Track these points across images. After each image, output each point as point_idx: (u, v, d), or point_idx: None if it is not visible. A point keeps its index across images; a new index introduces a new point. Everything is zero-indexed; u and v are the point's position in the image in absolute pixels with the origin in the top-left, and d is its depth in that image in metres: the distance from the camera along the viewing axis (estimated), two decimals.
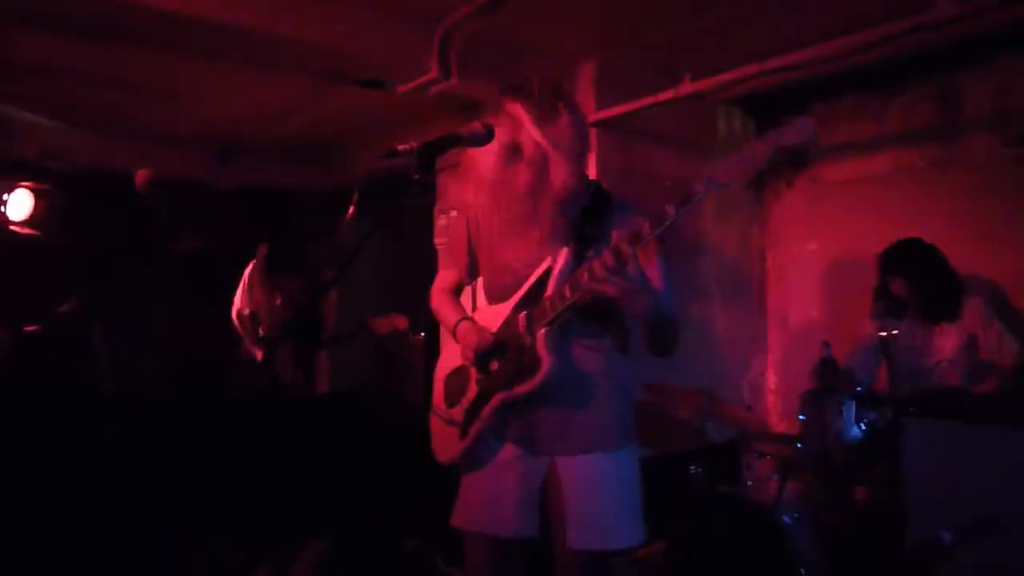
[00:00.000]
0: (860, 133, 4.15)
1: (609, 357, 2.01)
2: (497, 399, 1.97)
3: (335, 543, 3.37)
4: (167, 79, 4.19)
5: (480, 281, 2.19)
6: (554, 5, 3.33)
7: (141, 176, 3.98)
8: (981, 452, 2.18)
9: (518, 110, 1.94)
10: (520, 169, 1.94)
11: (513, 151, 1.94)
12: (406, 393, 4.80)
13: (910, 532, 2.24)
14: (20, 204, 4.67)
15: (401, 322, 4.89)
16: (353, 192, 1.69)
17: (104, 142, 5.10)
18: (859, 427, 2.79)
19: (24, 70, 4.00)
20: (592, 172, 3.16)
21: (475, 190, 2.14)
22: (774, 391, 4.57)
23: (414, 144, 1.70)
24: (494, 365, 2.00)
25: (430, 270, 2.30)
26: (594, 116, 3.75)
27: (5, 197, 4.60)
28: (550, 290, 1.92)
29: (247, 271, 4.83)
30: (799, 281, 4.48)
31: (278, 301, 4.67)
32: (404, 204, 1.91)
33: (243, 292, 4.81)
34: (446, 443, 2.10)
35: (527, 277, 1.98)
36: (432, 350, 2.71)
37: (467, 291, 2.29)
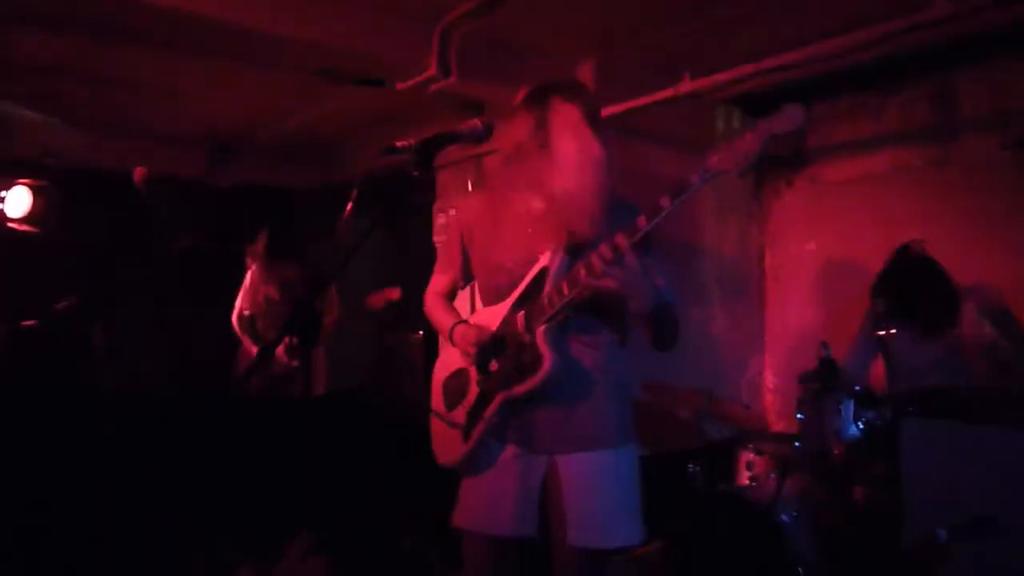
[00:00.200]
0: (859, 132, 4.16)
1: (607, 352, 2.00)
2: (499, 399, 1.96)
3: (334, 543, 3.36)
4: (167, 78, 4.19)
5: (478, 285, 2.18)
6: (554, 4, 3.33)
7: (139, 174, 3.99)
8: (980, 452, 2.17)
9: (573, 112, 1.92)
10: (524, 168, 1.93)
11: (519, 150, 1.93)
12: (405, 391, 4.80)
13: (908, 531, 2.24)
14: (19, 201, 4.68)
15: (394, 293, 4.89)
16: (352, 189, 1.69)
17: (104, 141, 5.11)
18: (857, 426, 2.79)
19: (24, 70, 4.01)
20: None
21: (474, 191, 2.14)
22: (772, 390, 4.56)
23: (413, 141, 1.71)
24: (494, 365, 1.99)
25: (430, 268, 2.29)
26: None
27: (3, 194, 4.60)
28: (548, 287, 1.90)
29: (249, 273, 4.84)
30: (798, 281, 4.48)
31: (276, 294, 4.67)
32: (404, 201, 1.91)
33: (245, 293, 4.83)
34: (448, 446, 2.09)
35: (522, 277, 1.97)
36: (431, 349, 2.71)
37: (466, 296, 2.29)
